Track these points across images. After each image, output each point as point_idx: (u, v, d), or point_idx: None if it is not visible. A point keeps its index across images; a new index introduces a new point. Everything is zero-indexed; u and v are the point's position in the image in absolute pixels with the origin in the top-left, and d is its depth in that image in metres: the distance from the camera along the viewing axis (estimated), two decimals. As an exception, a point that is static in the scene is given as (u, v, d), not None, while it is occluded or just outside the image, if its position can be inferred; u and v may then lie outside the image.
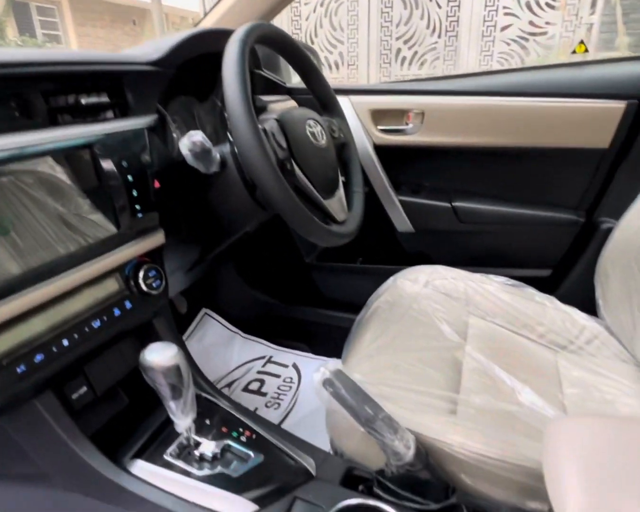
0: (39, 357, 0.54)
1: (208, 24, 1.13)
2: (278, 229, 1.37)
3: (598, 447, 0.42)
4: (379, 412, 0.59)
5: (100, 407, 0.68)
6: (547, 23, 3.90)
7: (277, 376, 1.34)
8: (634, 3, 4.80)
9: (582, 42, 3.01)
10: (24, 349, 0.53)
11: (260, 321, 1.50)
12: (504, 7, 3.92)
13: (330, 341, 1.36)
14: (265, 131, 0.72)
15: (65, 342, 0.56)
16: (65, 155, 0.57)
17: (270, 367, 1.38)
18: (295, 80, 1.29)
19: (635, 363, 0.88)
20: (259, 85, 1.09)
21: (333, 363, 0.62)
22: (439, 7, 4.08)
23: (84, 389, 0.63)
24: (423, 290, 1.02)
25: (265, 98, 1.09)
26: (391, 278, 1.06)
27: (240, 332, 1.49)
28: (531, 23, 3.96)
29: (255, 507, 0.58)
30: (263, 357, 1.42)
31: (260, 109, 1.09)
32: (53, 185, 0.55)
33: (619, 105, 0.99)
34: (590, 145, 1.04)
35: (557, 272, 1.17)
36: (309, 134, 0.82)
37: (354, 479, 0.65)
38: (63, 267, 0.55)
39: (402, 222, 1.24)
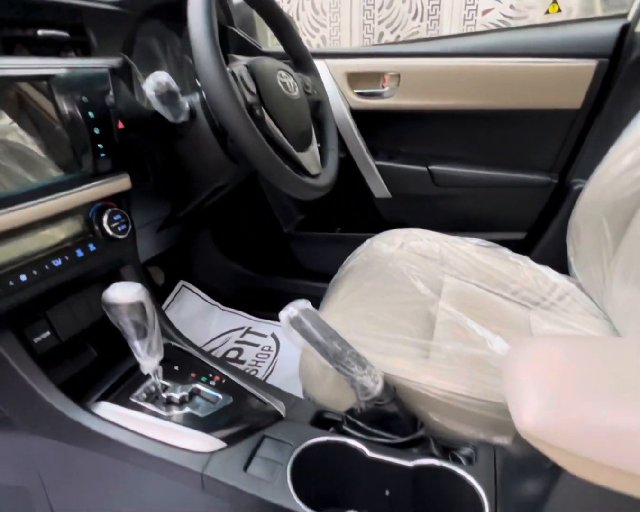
0: (21, 279, 0.53)
1: None
2: (255, 198, 1.35)
3: (555, 358, 0.43)
4: (347, 348, 0.59)
5: (68, 361, 0.67)
6: (527, 7, 3.92)
7: (256, 345, 1.34)
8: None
9: (555, 1, 3.02)
10: (24, 261, 0.51)
11: (239, 293, 1.49)
12: (486, -9, 3.94)
13: None
14: (234, 74, 0.71)
15: (24, 277, 0.54)
16: (22, 86, 0.55)
17: (249, 337, 1.37)
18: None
19: (604, 317, 0.90)
20: (232, 44, 1.07)
21: (302, 302, 0.62)
22: (421, -10, 4.08)
23: (47, 333, 0.61)
24: (398, 251, 1.02)
25: (238, 57, 1.07)
26: (367, 241, 1.06)
27: (219, 304, 1.48)
28: (512, 7, 3.98)
29: (222, 444, 0.57)
30: (242, 328, 1.41)
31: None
32: (10, 115, 0.53)
33: (590, 64, 1.00)
34: (563, 105, 1.05)
35: (532, 234, 1.18)
36: (280, 83, 0.80)
37: (325, 422, 0.65)
38: (20, 200, 0.53)
39: (379, 188, 1.24)
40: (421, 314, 0.84)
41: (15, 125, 0.54)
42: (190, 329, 1.40)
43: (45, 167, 0.57)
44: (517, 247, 1.08)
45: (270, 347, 1.32)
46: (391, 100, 1.16)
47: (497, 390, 0.63)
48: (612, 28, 0.99)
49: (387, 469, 0.56)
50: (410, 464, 0.55)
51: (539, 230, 1.16)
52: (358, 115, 1.19)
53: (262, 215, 1.39)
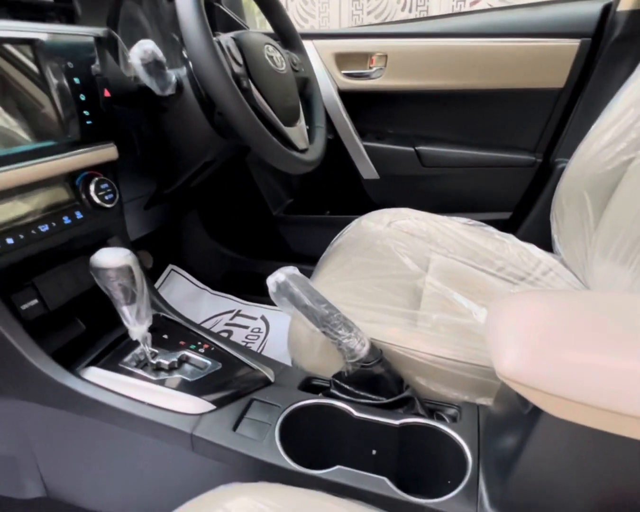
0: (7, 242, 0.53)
1: None
2: (243, 181, 1.35)
3: (533, 307, 0.44)
4: (334, 312, 0.60)
5: (57, 332, 0.67)
6: (514, -1, 3.96)
7: (245, 327, 1.34)
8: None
9: None
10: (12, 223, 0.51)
11: (228, 277, 1.49)
12: (473, -18, 3.96)
13: None
14: (220, 45, 0.71)
15: (10, 241, 0.54)
16: (5, 48, 0.54)
17: (239, 320, 1.38)
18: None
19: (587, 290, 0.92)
20: (219, 22, 1.07)
21: (290, 269, 0.63)
22: (410, -19, 4.07)
23: (35, 301, 0.61)
24: (386, 229, 1.03)
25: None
26: (355, 220, 1.07)
27: (208, 288, 1.48)
28: (500, -1, 4.00)
29: (212, 407, 0.58)
30: (231, 311, 1.41)
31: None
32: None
33: (573, 43, 1.02)
34: (547, 85, 1.07)
35: (517, 213, 1.20)
36: (267, 57, 0.81)
37: (313, 388, 0.66)
38: (8, 161, 0.53)
39: (367, 170, 1.25)
40: (408, 287, 0.85)
41: (-1, 89, 0.54)
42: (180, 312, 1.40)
43: (31, 132, 0.57)
44: (503, 226, 1.10)
45: (259, 329, 1.33)
46: (378, 80, 1.17)
47: (481, 354, 0.65)
48: (595, 8, 1.01)
49: (374, 428, 0.57)
50: (396, 422, 0.56)
51: (524, 209, 1.18)
52: (346, 96, 1.20)
53: (250, 198, 1.39)
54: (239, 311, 1.41)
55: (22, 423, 0.62)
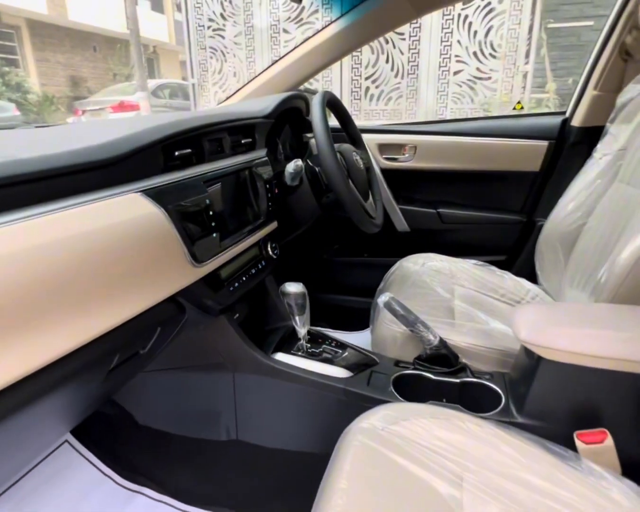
0: (235, 285, 0.95)
1: (249, 90, 1.53)
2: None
3: (542, 307, 0.89)
4: (417, 319, 1.03)
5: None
6: (491, 70, 4.63)
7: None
8: (561, 54, 5.72)
9: (519, 102, 3.70)
10: (238, 272, 0.94)
11: None
12: (456, 56, 4.64)
13: (345, 318, 1.79)
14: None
15: (237, 284, 0.96)
16: (239, 171, 0.98)
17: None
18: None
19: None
20: (306, 125, 1.53)
21: (388, 294, 1.06)
22: (402, 53, 4.72)
23: (244, 313, 1.04)
24: (421, 268, 1.48)
25: (309, 135, 1.54)
26: (398, 262, 1.52)
27: None
28: (478, 69, 4.68)
29: (350, 373, 0.99)
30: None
31: (306, 143, 1.54)
32: (231, 188, 0.97)
33: (544, 143, 1.52)
34: (528, 169, 1.57)
35: (510, 256, 1.67)
36: (354, 160, 1.27)
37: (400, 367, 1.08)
38: (239, 237, 0.96)
39: (400, 224, 1.71)
40: (444, 308, 1.29)
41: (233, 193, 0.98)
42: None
43: (247, 217, 1.00)
44: (501, 265, 1.56)
45: None
46: (409, 163, 1.65)
47: (501, 343, 1.08)
48: (557, 120, 1.52)
49: (444, 385, 0.99)
50: (457, 381, 0.99)
51: (515, 253, 1.66)
52: (386, 172, 1.67)
53: (307, 245, 1.83)
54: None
55: (235, 387, 1.02)
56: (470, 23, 4.41)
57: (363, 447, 0.68)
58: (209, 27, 4.95)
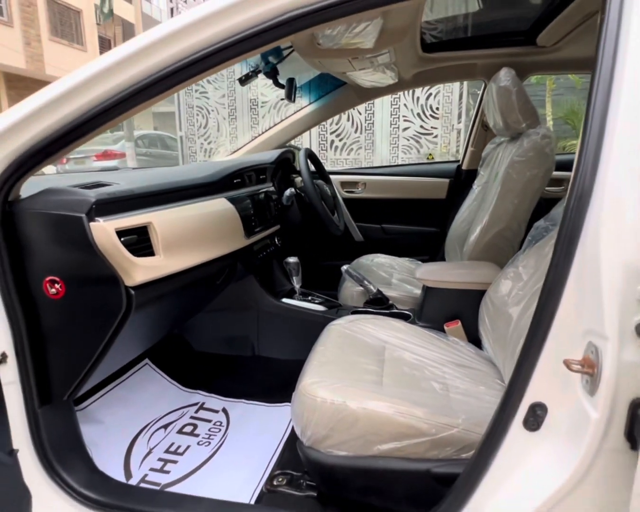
0: (259, 256, 1.67)
1: (253, 145, 2.32)
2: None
3: (435, 264, 1.66)
4: (364, 278, 1.77)
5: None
6: (432, 127, 5.68)
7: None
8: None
9: (430, 154, 4.74)
10: (261, 249, 1.68)
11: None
12: (403, 116, 5.69)
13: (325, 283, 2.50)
14: (316, 186, 1.92)
15: (263, 254, 1.68)
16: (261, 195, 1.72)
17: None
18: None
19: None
20: (292, 169, 2.30)
21: (350, 264, 1.80)
22: (360, 113, 5.74)
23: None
24: (371, 263, 2.24)
25: (294, 175, 2.32)
26: (355, 260, 2.27)
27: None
28: (422, 127, 5.72)
29: (325, 309, 1.71)
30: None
31: (292, 180, 2.32)
32: (258, 201, 1.70)
33: (447, 180, 2.35)
34: (437, 197, 2.39)
35: (431, 255, 2.46)
36: (326, 190, 2.03)
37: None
38: (261, 228, 1.68)
39: (357, 235, 2.49)
40: (384, 280, 2.04)
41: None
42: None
43: (263, 218, 1.73)
44: (424, 261, 2.33)
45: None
46: (362, 194, 2.45)
47: (413, 292, 1.83)
48: (453, 166, 2.37)
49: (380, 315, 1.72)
50: (387, 311, 1.72)
51: (434, 253, 2.45)
52: (346, 201, 2.46)
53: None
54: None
55: (257, 321, 1.69)
56: (414, 91, 5.46)
57: (334, 332, 1.39)
58: (196, 90, 5.82)
